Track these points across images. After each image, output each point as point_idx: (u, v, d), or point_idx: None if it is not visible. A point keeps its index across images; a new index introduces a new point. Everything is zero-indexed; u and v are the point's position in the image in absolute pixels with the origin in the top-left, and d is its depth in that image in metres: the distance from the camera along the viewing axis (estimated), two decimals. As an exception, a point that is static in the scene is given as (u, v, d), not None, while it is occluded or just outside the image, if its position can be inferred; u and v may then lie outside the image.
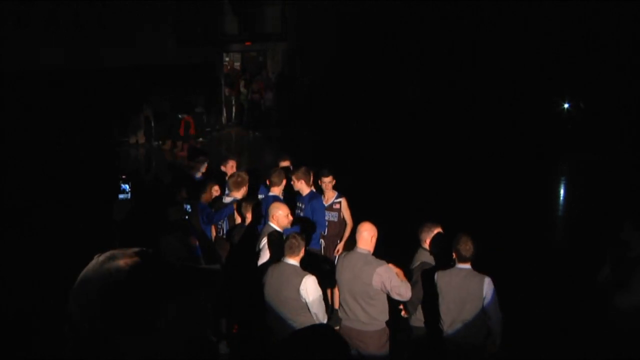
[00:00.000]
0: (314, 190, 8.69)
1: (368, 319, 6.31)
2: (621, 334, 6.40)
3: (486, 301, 6.20)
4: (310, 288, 6.19)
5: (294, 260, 6.34)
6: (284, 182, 8.51)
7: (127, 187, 6.67)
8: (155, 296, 1.58)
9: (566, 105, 21.29)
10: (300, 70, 25.88)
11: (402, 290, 6.23)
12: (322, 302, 6.32)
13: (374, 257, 6.38)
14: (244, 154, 20.84)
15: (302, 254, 6.42)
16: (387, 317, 6.41)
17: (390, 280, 6.19)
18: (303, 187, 8.51)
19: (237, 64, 26.72)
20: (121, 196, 7.01)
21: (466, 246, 6.28)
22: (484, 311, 6.20)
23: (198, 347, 1.69)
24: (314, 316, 6.22)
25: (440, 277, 6.35)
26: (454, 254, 6.35)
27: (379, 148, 19.00)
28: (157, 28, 21.37)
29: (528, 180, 15.57)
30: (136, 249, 1.68)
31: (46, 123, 17.25)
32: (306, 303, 6.21)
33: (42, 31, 18.97)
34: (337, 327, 6.55)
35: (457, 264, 6.34)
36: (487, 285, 6.20)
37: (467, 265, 6.31)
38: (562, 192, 16.49)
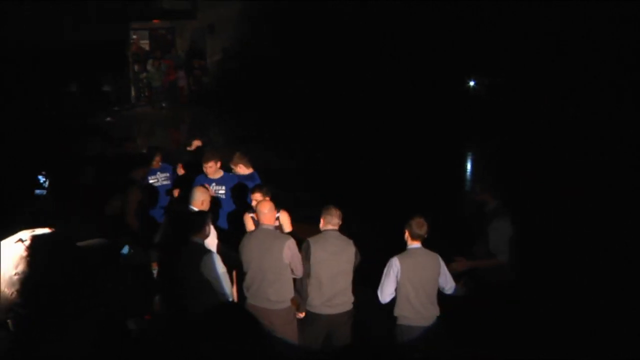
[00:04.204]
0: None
1: (276, 296, 6.38)
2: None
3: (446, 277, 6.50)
4: (211, 265, 6.24)
5: (198, 239, 6.42)
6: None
7: (42, 178, 6.49)
8: (65, 277, 1.63)
9: (472, 83, 21.84)
10: (210, 49, 25.72)
11: (300, 266, 6.45)
12: (227, 279, 6.35)
13: (279, 231, 6.58)
14: (155, 133, 20.59)
15: (207, 232, 6.50)
16: (292, 295, 6.52)
17: (296, 254, 6.41)
18: (243, 171, 8.58)
19: (143, 42, 26.14)
20: (38, 191, 6.80)
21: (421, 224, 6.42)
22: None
23: (111, 330, 1.75)
24: (219, 293, 6.28)
25: (402, 260, 6.37)
26: (406, 233, 6.45)
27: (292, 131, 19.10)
28: (60, 6, 20.66)
29: (439, 161, 15.86)
30: (36, 231, 1.72)
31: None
32: (209, 280, 6.25)
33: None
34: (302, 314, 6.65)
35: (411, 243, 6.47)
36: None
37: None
38: (470, 171, 16.94)
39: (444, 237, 6.84)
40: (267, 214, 6.54)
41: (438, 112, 19.27)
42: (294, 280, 6.54)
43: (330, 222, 6.56)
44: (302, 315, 6.61)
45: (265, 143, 16.52)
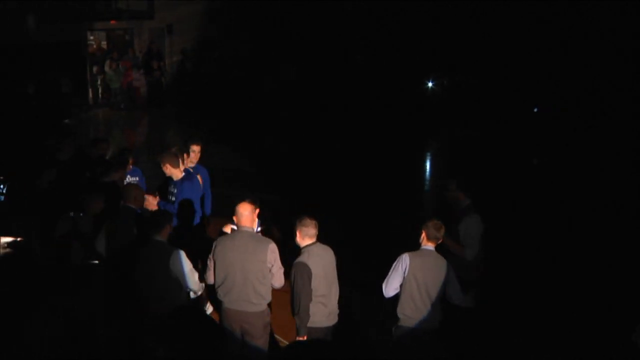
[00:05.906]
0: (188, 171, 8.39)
1: (257, 298, 6.25)
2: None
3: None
4: (178, 262, 6.25)
5: (160, 237, 6.40)
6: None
7: (1, 186, 6.37)
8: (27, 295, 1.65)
9: (430, 84, 22.06)
10: (169, 50, 25.55)
11: (279, 275, 6.31)
12: (194, 276, 6.36)
13: (260, 234, 6.44)
14: (113, 134, 20.37)
15: (167, 230, 6.48)
16: (270, 297, 6.40)
17: (277, 259, 6.29)
18: (173, 172, 8.16)
19: (103, 43, 25.86)
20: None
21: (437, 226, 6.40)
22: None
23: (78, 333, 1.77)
24: (187, 290, 6.29)
25: (412, 258, 6.32)
26: (423, 234, 6.40)
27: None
28: (16, 4, 20.32)
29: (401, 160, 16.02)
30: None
31: None
32: (176, 278, 6.26)
33: None
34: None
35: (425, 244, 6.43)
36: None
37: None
38: (429, 167, 17.13)
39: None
40: (248, 216, 6.33)
41: (398, 112, 19.45)
42: (291, 303, 6.31)
43: (311, 235, 6.35)
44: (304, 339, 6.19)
45: (228, 144, 16.54)
